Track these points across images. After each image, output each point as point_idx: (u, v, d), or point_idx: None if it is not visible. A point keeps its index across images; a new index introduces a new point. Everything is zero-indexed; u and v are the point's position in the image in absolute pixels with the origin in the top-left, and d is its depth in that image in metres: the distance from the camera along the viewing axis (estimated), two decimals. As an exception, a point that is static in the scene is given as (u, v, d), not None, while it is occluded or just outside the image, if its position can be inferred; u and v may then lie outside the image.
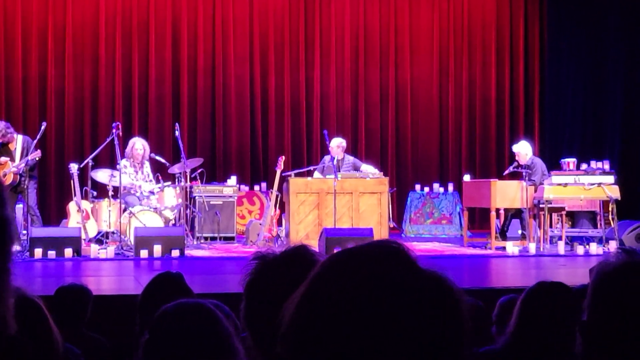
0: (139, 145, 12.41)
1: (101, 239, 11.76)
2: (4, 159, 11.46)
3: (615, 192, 11.95)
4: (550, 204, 11.96)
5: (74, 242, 10.78)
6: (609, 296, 1.60)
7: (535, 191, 12.01)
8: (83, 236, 11.28)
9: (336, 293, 1.21)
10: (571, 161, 13.05)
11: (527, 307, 3.59)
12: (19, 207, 12.06)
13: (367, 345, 1.17)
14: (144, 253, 10.70)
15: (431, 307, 1.20)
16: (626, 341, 1.56)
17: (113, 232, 11.83)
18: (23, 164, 11.44)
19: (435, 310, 1.20)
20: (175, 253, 10.80)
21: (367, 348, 1.17)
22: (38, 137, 11.59)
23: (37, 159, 11.72)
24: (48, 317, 1.92)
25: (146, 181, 12.39)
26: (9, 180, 11.39)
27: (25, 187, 11.44)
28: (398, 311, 1.18)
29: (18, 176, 11.46)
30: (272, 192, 12.72)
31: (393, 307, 1.19)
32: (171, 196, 12.25)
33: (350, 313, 1.19)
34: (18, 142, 11.68)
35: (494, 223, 12.13)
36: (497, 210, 12.28)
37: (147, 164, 12.49)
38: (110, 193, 11.77)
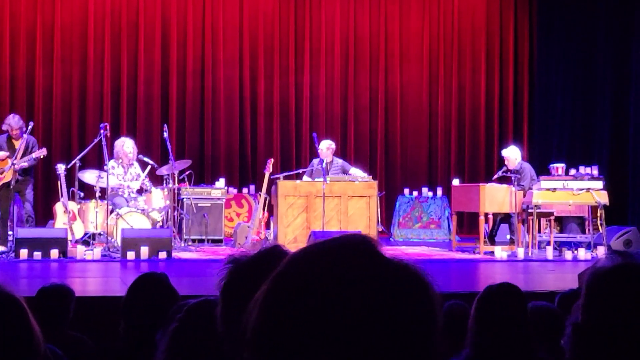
0: (129, 144, 12.34)
1: (88, 240, 11.69)
2: (3, 153, 11.37)
3: (603, 198, 11.95)
4: (539, 208, 11.95)
5: (60, 243, 10.71)
6: (603, 298, 1.57)
7: (524, 196, 12.00)
8: (69, 237, 11.21)
9: (299, 290, 1.15)
10: (560, 166, 13.06)
11: (481, 313, 3.53)
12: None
13: (336, 341, 1.12)
14: (130, 255, 10.64)
15: (400, 297, 1.15)
16: (621, 343, 1.53)
17: (100, 234, 11.76)
18: (26, 162, 11.38)
19: (405, 300, 1.15)
20: (163, 255, 10.74)
21: (336, 344, 1.12)
22: (25, 137, 11.51)
23: (41, 156, 11.68)
24: (28, 315, 1.88)
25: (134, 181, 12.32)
26: (7, 177, 11.33)
27: (24, 187, 11.40)
28: (365, 303, 1.13)
29: (17, 174, 11.39)
30: (260, 195, 12.68)
31: (359, 299, 1.13)
32: (159, 198, 12.19)
33: (315, 309, 1.13)
34: (22, 140, 11.62)
35: (483, 227, 12.12)
36: (486, 214, 12.27)
37: (136, 165, 12.42)
38: (98, 194, 11.71)
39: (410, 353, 1.14)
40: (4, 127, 11.57)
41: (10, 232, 11.28)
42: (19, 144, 11.52)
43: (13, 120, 11.60)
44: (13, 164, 11.29)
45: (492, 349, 3.42)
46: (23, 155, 11.44)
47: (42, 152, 11.62)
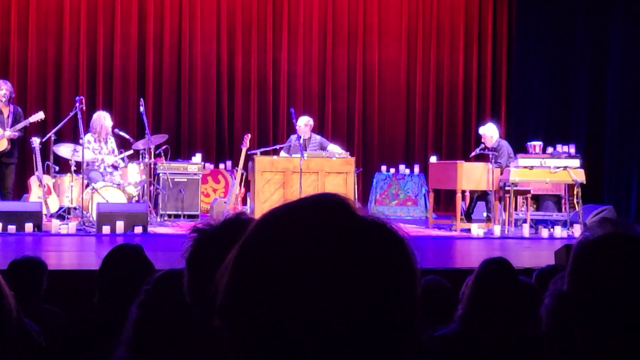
0: (108, 118, 12.23)
1: (63, 214, 11.61)
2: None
3: (580, 176, 11.99)
4: (516, 186, 11.98)
5: (35, 217, 10.63)
6: (591, 267, 1.54)
7: (501, 174, 12.02)
8: (44, 211, 11.12)
9: (269, 252, 1.10)
10: (537, 144, 13.08)
11: (479, 287, 3.57)
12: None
13: (309, 304, 1.07)
14: (106, 229, 10.58)
15: (376, 256, 1.10)
16: (609, 311, 1.51)
17: (75, 208, 11.68)
18: (20, 127, 11.31)
19: (381, 258, 1.10)
20: (138, 230, 10.69)
21: (309, 307, 1.07)
22: (11, 106, 11.40)
23: (39, 120, 11.60)
24: (2, 285, 1.84)
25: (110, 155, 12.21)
26: (2, 146, 11.24)
27: (9, 160, 11.34)
28: (339, 263, 1.08)
29: (10, 143, 11.30)
30: (237, 171, 12.63)
31: (333, 259, 1.08)
32: (135, 172, 12.11)
33: (287, 272, 1.08)
34: (10, 109, 11.50)
35: (460, 205, 12.13)
36: (463, 192, 12.29)
37: (112, 139, 12.31)
38: (73, 168, 11.62)
39: (389, 315, 1.10)
40: None
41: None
42: (7, 113, 11.41)
43: (7, 84, 11.50)
44: (8, 132, 11.20)
45: (483, 324, 3.45)
46: (13, 123, 11.34)
47: (39, 116, 11.56)
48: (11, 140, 11.40)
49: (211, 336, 1.96)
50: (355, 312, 1.08)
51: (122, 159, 12.15)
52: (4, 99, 11.32)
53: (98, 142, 12.14)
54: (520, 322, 3.53)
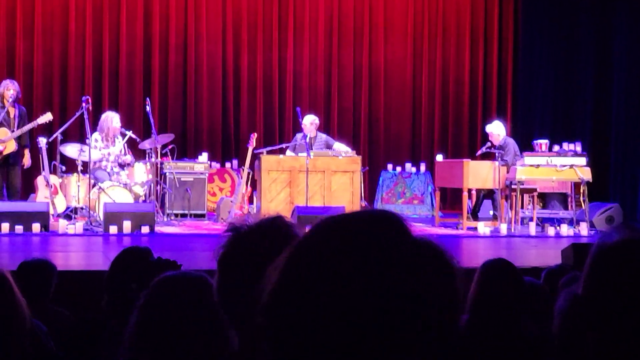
0: (117, 119, 12.23)
1: (70, 214, 11.62)
2: (2, 130, 11.29)
3: (586, 174, 11.98)
4: (522, 185, 11.97)
5: (42, 217, 10.65)
6: (608, 272, 1.55)
7: (508, 172, 12.00)
8: (51, 211, 11.14)
9: (322, 258, 1.13)
10: (543, 142, 13.06)
11: (481, 289, 3.59)
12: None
13: (355, 312, 1.10)
14: (113, 229, 10.59)
15: (426, 273, 1.14)
16: (624, 316, 1.51)
17: (82, 208, 11.69)
18: (29, 129, 11.35)
19: (430, 276, 1.14)
20: (145, 229, 10.70)
21: (355, 315, 1.10)
22: (3, 111, 11.40)
23: (47, 122, 11.65)
24: (14, 290, 1.85)
25: (117, 156, 12.19)
26: (10, 148, 11.26)
27: (16, 161, 11.37)
28: (390, 278, 1.11)
29: (18, 144, 11.34)
30: (243, 170, 12.63)
31: (386, 274, 1.11)
32: (141, 172, 12.12)
33: (339, 280, 1.11)
34: (15, 109, 11.53)
35: (466, 203, 12.13)
36: (469, 190, 12.28)
37: (119, 139, 12.31)
38: (80, 168, 11.63)
39: (431, 329, 1.13)
40: (1, 90, 11.42)
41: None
42: (13, 113, 11.44)
43: (15, 84, 11.52)
44: (12, 136, 11.23)
45: (485, 326, 3.48)
46: (19, 125, 11.37)
47: (47, 117, 11.58)
48: (18, 142, 11.42)
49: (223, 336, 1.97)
50: (400, 328, 1.11)
51: (128, 153, 12.15)
52: (10, 100, 11.34)
53: (105, 141, 12.15)
54: (523, 322, 3.54)
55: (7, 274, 1.69)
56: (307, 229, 1.23)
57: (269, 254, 1.82)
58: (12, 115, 11.43)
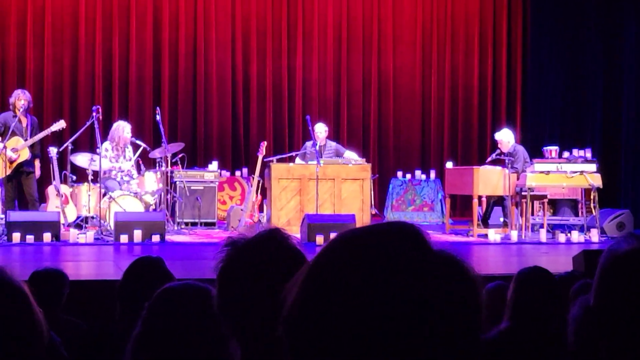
0: (128, 129, 12.26)
1: (80, 223, 11.64)
2: (15, 138, 11.35)
3: (597, 180, 11.96)
4: (533, 191, 11.95)
5: (53, 226, 10.67)
6: (620, 282, 1.55)
7: (518, 179, 12.00)
8: (62, 221, 11.16)
9: (343, 271, 1.14)
10: (553, 149, 13.04)
11: (522, 294, 3.64)
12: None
13: (377, 326, 1.11)
14: (123, 238, 10.61)
15: (447, 285, 1.14)
16: (635, 327, 1.51)
17: (93, 217, 11.71)
18: (41, 137, 11.42)
19: (451, 288, 1.14)
20: (156, 238, 10.72)
21: (377, 329, 1.11)
22: (15, 120, 11.45)
23: (60, 129, 11.71)
24: (31, 302, 1.86)
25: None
26: (23, 156, 11.31)
27: (30, 170, 11.42)
28: (413, 292, 1.12)
29: (31, 153, 11.40)
30: (253, 178, 12.64)
31: (407, 287, 1.12)
32: (152, 181, 12.14)
33: (359, 294, 1.12)
34: (27, 119, 11.59)
35: (476, 210, 12.12)
36: (479, 197, 12.26)
37: (130, 148, 12.35)
38: (90, 177, 11.66)
39: (454, 341, 1.13)
40: (13, 100, 11.50)
41: (1, 216, 11.22)
42: (26, 122, 11.50)
43: (26, 94, 11.59)
44: (25, 144, 11.30)
45: (530, 324, 3.54)
46: (31, 133, 11.43)
47: (60, 125, 11.64)
48: (32, 150, 11.47)
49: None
50: (423, 341, 1.11)
51: (139, 167, 12.19)
52: (21, 109, 11.40)
53: (116, 150, 12.18)
54: (561, 328, 3.58)
55: (24, 287, 1.71)
56: (319, 244, 1.24)
57: (267, 268, 1.84)
58: (24, 125, 11.49)
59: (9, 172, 11.27)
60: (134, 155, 12.27)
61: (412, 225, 1.20)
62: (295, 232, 11.62)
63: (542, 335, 3.58)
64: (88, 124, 11.96)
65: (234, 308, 1.87)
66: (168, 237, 11.15)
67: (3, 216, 11.07)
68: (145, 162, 12.48)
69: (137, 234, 10.65)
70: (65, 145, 11.87)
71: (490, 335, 3.62)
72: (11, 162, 11.28)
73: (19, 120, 11.45)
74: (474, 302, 1.16)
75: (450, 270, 1.16)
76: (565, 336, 3.47)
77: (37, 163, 11.57)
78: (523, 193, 11.91)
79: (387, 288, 1.11)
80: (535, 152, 13.38)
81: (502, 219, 12.55)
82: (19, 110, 11.39)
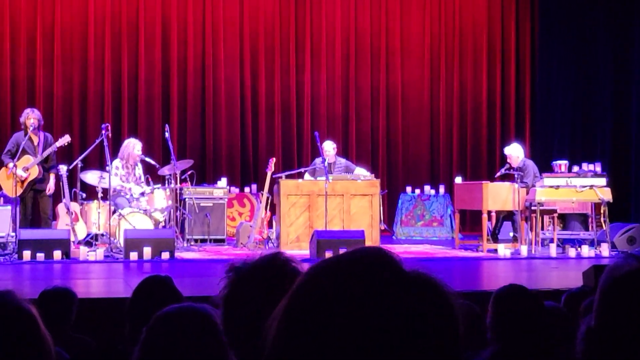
0: (139, 147, 12.30)
1: (90, 241, 11.66)
2: (25, 157, 11.40)
3: (607, 195, 11.93)
4: (542, 206, 11.93)
5: (63, 244, 10.69)
6: (620, 303, 1.54)
7: (527, 193, 11.98)
8: (72, 238, 11.19)
9: (318, 305, 1.14)
10: (563, 163, 13.02)
11: (499, 314, 3.60)
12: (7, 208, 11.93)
13: (358, 354, 1.11)
14: (133, 255, 10.62)
15: (421, 311, 1.14)
16: (636, 350, 1.51)
17: (102, 234, 11.74)
18: (49, 153, 11.46)
19: (427, 316, 1.14)
20: (165, 255, 10.72)
21: (359, 357, 1.11)
22: (26, 138, 11.50)
23: (66, 144, 11.75)
24: (40, 327, 1.87)
25: (138, 183, 12.26)
26: (34, 174, 11.36)
27: (44, 187, 11.45)
28: (389, 317, 1.12)
29: (42, 170, 11.44)
30: (262, 194, 12.65)
31: (379, 314, 1.12)
32: (161, 198, 12.16)
33: (335, 325, 1.12)
34: (40, 136, 11.64)
35: (486, 225, 12.09)
36: (489, 212, 12.24)
37: (139, 166, 12.40)
38: (100, 195, 11.68)
39: None
40: (23, 119, 11.57)
41: (13, 234, 11.25)
42: (37, 140, 11.55)
43: (35, 112, 11.65)
44: (35, 161, 11.35)
45: (515, 347, 3.48)
46: (43, 151, 11.48)
47: (65, 140, 11.68)
48: (43, 168, 11.51)
49: None
50: None
51: (148, 183, 12.22)
52: (31, 127, 11.45)
53: (126, 168, 12.22)
54: (551, 348, 3.53)
55: (33, 310, 1.71)
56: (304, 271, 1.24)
57: (270, 293, 1.85)
58: (35, 143, 11.55)
59: (20, 191, 11.31)
60: (145, 185, 12.28)
61: (381, 249, 1.20)
62: (304, 248, 11.63)
63: (534, 352, 3.54)
64: (97, 141, 12.00)
65: (238, 333, 1.87)
66: (177, 254, 11.15)
67: (14, 234, 11.11)
68: (155, 179, 12.50)
69: (147, 251, 10.66)
70: (75, 163, 11.91)
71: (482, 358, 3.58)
72: (22, 180, 11.33)
73: (30, 139, 11.50)
74: (450, 319, 1.16)
75: (423, 289, 1.15)
76: (559, 351, 3.45)
77: (51, 178, 11.59)
78: (533, 208, 11.89)
79: (364, 315, 1.11)
80: (545, 167, 13.36)
81: (511, 234, 12.53)
82: (29, 128, 11.45)
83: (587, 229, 13.01)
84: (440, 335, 1.14)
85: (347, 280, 1.15)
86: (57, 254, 10.50)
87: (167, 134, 12.53)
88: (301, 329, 1.14)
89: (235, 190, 14.81)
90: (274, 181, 12.59)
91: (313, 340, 1.12)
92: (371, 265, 1.17)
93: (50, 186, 11.56)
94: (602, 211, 12.06)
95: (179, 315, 2.28)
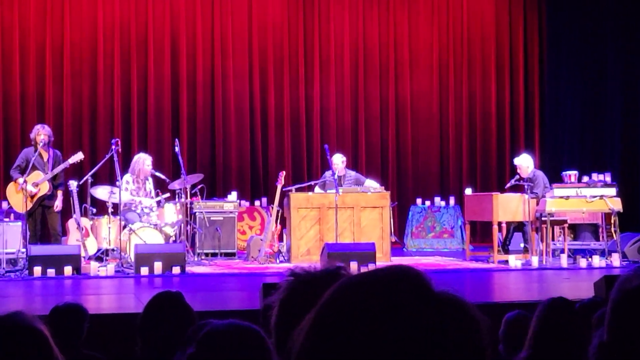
0: (149, 162, 12.35)
1: (101, 256, 11.67)
2: (35, 173, 11.45)
3: (617, 205, 11.90)
4: (552, 216, 11.90)
5: (74, 259, 10.69)
6: (631, 316, 1.54)
7: (537, 204, 11.95)
8: (83, 254, 11.19)
9: (345, 321, 1.14)
10: (573, 174, 13.00)
11: (544, 325, 3.61)
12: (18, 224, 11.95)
13: None
14: (144, 270, 10.62)
15: (451, 331, 1.14)
16: None
17: (113, 250, 11.75)
18: (61, 170, 11.50)
19: (453, 336, 1.14)
20: (176, 270, 10.72)
21: None
22: (36, 153, 11.53)
23: (79, 161, 11.79)
24: (52, 347, 1.87)
25: (148, 197, 12.29)
26: (43, 189, 11.40)
27: (53, 204, 11.48)
28: (417, 337, 1.12)
29: (52, 186, 11.48)
30: (272, 208, 12.65)
31: (411, 333, 1.12)
32: (171, 212, 12.18)
33: (360, 343, 1.12)
34: (49, 153, 11.68)
35: (496, 236, 12.07)
36: (499, 223, 12.22)
37: (150, 180, 12.43)
38: (110, 210, 11.70)
39: None
40: (33, 135, 11.61)
41: (23, 250, 11.27)
42: (47, 157, 11.59)
43: (45, 129, 11.69)
44: (45, 177, 11.39)
45: (549, 353, 3.51)
46: (53, 167, 11.52)
47: (78, 157, 11.72)
48: (52, 184, 11.55)
49: None
50: None
51: (159, 202, 12.26)
52: (41, 144, 11.49)
53: (136, 182, 12.26)
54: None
55: (44, 329, 1.72)
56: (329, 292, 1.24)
57: None
58: (45, 159, 11.59)
59: (30, 206, 11.34)
60: (156, 197, 12.31)
61: (412, 269, 1.20)
62: (315, 261, 11.62)
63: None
64: (107, 156, 12.02)
65: (289, 340, 1.86)
66: (188, 269, 11.15)
67: (25, 250, 11.13)
68: (164, 192, 12.51)
69: (158, 266, 10.66)
70: (85, 178, 11.94)
71: None
72: (32, 196, 11.36)
73: (40, 155, 11.54)
74: (477, 343, 1.16)
75: (452, 312, 1.15)
76: None
77: (59, 194, 11.64)
78: (543, 218, 11.86)
79: (392, 335, 1.11)
80: (554, 177, 13.34)
81: (522, 245, 12.50)
82: (39, 144, 11.49)
83: (597, 239, 12.98)
84: (466, 357, 1.14)
85: (374, 297, 1.15)
86: (68, 270, 10.50)
87: (177, 148, 12.56)
88: (326, 344, 1.14)
89: (245, 203, 14.82)
90: (284, 194, 12.60)
91: (337, 356, 1.12)
92: (399, 284, 1.17)
93: (58, 204, 11.59)
94: (612, 221, 12.03)
95: (225, 333, 2.22)
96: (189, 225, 12.59)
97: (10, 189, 11.50)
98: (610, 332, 1.57)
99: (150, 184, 12.41)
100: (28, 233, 11.40)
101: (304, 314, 1.84)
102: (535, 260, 11.56)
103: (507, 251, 12.37)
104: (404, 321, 1.12)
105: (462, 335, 1.14)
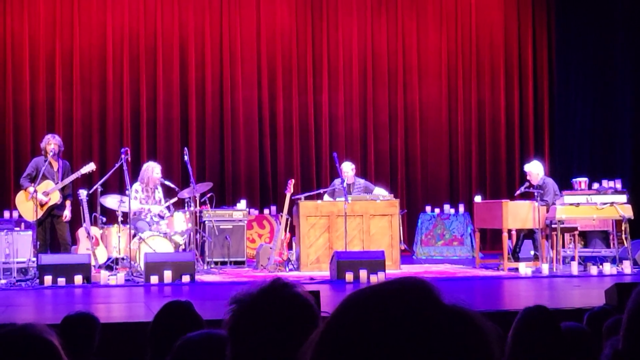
0: (158, 170, 12.38)
1: (111, 265, 11.69)
2: (46, 182, 11.49)
3: (628, 211, 11.86)
4: (563, 224, 11.87)
5: (84, 268, 10.71)
6: None
7: (548, 211, 11.92)
8: (93, 262, 11.21)
9: (355, 334, 1.14)
10: (583, 181, 12.96)
11: (518, 336, 3.56)
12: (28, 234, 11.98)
13: None
14: (154, 279, 10.63)
15: (458, 345, 1.13)
16: None
17: (123, 258, 11.76)
18: (72, 180, 11.55)
19: (463, 350, 1.13)
20: (186, 278, 10.73)
21: None
22: (46, 162, 11.57)
23: (90, 171, 11.83)
24: (62, 357, 1.88)
25: (157, 206, 12.31)
26: (54, 199, 11.44)
27: (61, 213, 11.52)
28: (427, 350, 1.11)
29: (62, 196, 11.52)
30: (282, 216, 12.66)
31: (421, 346, 1.11)
32: (181, 221, 12.20)
33: (372, 356, 1.12)
34: (59, 163, 11.73)
35: (506, 244, 12.05)
36: (509, 231, 12.19)
37: (159, 189, 12.46)
38: (120, 219, 11.72)
39: None
40: (43, 145, 11.65)
41: (34, 259, 11.29)
42: (57, 166, 11.63)
43: (56, 138, 11.74)
44: (56, 187, 11.43)
45: None
46: (62, 177, 11.56)
47: (90, 167, 11.77)
48: (62, 192, 11.59)
49: None
50: None
51: (168, 207, 12.28)
52: (51, 153, 11.53)
53: (145, 191, 12.28)
54: None
55: (54, 342, 1.72)
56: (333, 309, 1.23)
57: (273, 321, 1.89)
58: (55, 168, 11.63)
59: (40, 215, 11.37)
60: (165, 201, 12.33)
61: (422, 281, 1.19)
62: (324, 269, 11.63)
63: None
64: (117, 165, 12.05)
65: None
66: (198, 277, 11.16)
67: (35, 259, 11.15)
68: (174, 203, 12.53)
69: (167, 275, 10.67)
70: (94, 187, 11.96)
71: None
72: (42, 205, 11.39)
73: (50, 164, 11.58)
74: (487, 356, 1.15)
75: (462, 325, 1.15)
76: None
77: (67, 204, 11.67)
78: (553, 226, 11.83)
79: (401, 348, 1.10)
80: (565, 184, 13.31)
81: (532, 252, 12.47)
82: (50, 154, 11.52)
83: (608, 246, 12.94)
84: None
85: (383, 311, 1.14)
86: (78, 279, 10.51)
87: (186, 157, 12.57)
88: (335, 358, 1.14)
89: (254, 212, 14.83)
90: (293, 202, 12.60)
91: None
92: (408, 297, 1.16)
93: (67, 214, 11.62)
94: (623, 228, 12.00)
95: (197, 342, 2.28)
96: (198, 234, 12.60)
97: (20, 197, 11.53)
98: (625, 341, 1.55)
99: (159, 193, 12.43)
100: (38, 242, 11.42)
101: (256, 336, 1.88)
102: (545, 268, 11.53)
103: (517, 259, 12.34)
104: (413, 335, 1.11)
105: (471, 348, 1.13)
